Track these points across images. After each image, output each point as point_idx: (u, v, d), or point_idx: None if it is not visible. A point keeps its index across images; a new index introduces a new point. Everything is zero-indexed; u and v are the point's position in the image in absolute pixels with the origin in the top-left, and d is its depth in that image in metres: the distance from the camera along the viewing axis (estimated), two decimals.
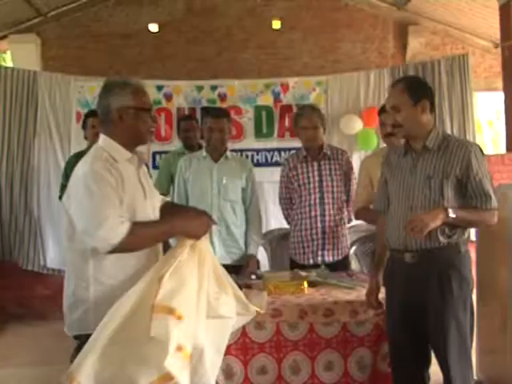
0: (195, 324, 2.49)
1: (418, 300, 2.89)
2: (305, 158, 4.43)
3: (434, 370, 3.87)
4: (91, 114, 5.19)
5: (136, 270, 2.55)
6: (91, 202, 2.43)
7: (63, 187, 5.09)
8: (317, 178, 4.37)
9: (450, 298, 2.82)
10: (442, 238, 2.82)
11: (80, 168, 2.58)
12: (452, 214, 2.72)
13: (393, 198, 3.05)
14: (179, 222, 2.67)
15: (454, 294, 2.82)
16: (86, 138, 5.24)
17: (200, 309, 2.55)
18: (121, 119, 2.58)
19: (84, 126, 5.16)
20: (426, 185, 2.87)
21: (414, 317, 2.93)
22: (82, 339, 2.51)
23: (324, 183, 4.36)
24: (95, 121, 5.04)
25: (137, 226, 2.49)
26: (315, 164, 4.40)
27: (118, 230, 2.42)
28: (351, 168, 4.54)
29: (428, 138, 2.93)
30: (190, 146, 5.45)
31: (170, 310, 2.37)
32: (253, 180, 4.42)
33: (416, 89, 2.93)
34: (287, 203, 4.57)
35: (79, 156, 5.11)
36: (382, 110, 4.06)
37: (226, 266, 3.04)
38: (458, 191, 2.86)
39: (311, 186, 4.36)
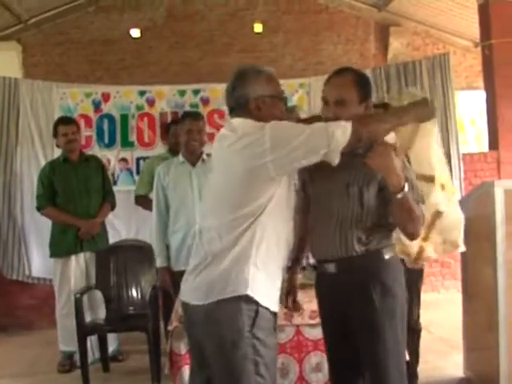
0: None
1: (342, 311, 2.62)
2: None
3: (422, 368, 3.93)
4: (62, 121, 5.15)
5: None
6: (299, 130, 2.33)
7: (40, 197, 5.06)
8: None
9: (371, 311, 2.52)
10: (357, 247, 2.53)
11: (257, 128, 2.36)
12: (405, 189, 2.39)
13: (313, 204, 2.73)
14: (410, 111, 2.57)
15: (377, 305, 2.52)
16: (57, 146, 5.21)
17: None
18: (258, 109, 2.46)
19: (55, 134, 5.11)
20: (345, 192, 2.54)
21: (341, 327, 2.66)
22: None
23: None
24: (66, 128, 5.02)
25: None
26: None
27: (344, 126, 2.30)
28: None
29: None
30: (178, 152, 5.41)
31: None
32: None
33: (365, 85, 2.61)
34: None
35: (53, 164, 5.14)
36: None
37: None
38: (382, 200, 2.52)
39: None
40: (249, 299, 2.30)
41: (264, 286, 2.35)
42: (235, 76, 2.50)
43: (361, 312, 2.56)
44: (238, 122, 2.46)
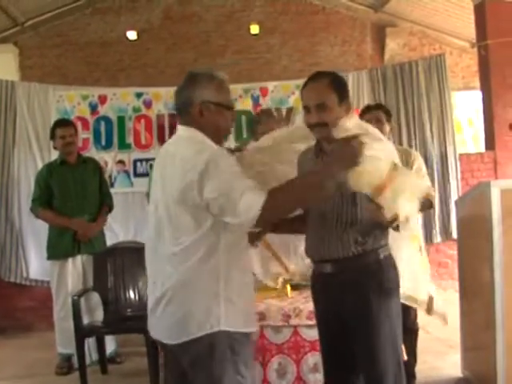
0: None
1: (338, 311, 2.64)
2: None
3: (420, 368, 3.94)
4: (59, 124, 5.15)
5: None
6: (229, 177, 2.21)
7: (36, 200, 5.04)
8: None
9: (367, 310, 2.55)
10: (354, 247, 2.56)
11: (197, 161, 2.22)
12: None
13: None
14: (327, 164, 2.40)
15: (373, 305, 2.54)
16: (55, 148, 5.21)
17: None
18: (200, 114, 2.38)
19: (52, 137, 5.11)
20: (337, 192, 2.46)
21: (337, 327, 2.67)
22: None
23: None
24: (64, 131, 5.01)
25: (272, 189, 2.22)
26: None
27: (258, 196, 2.16)
28: None
29: None
30: None
31: None
32: None
33: (342, 86, 2.62)
34: None
35: (50, 166, 5.14)
36: (367, 110, 4.09)
37: None
38: None
39: None
40: (224, 333, 2.25)
41: (239, 314, 2.30)
42: (186, 77, 2.45)
43: (357, 311, 2.57)
44: (180, 139, 2.39)
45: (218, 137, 2.44)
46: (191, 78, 2.43)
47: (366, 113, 4.07)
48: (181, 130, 2.44)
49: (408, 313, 3.53)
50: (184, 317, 2.27)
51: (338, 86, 2.60)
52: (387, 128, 3.98)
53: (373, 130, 2.61)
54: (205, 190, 2.20)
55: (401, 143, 6.64)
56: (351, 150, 2.30)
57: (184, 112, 2.41)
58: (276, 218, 2.39)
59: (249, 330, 2.36)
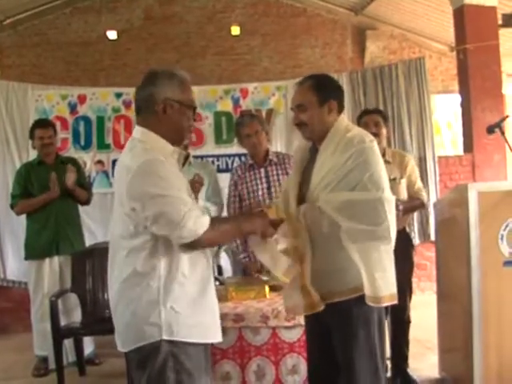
0: None
1: (322, 320, 2.68)
2: (251, 166, 4.43)
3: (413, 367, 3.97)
4: (38, 124, 5.12)
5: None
6: (165, 191, 2.22)
7: (17, 196, 5.01)
8: (265, 185, 4.37)
9: (347, 319, 2.58)
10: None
11: (131, 164, 2.25)
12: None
13: None
14: (247, 220, 2.54)
15: (353, 313, 2.57)
16: (34, 147, 5.17)
17: None
18: (164, 111, 2.35)
19: (31, 137, 5.07)
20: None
21: (322, 333, 2.73)
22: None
23: (272, 189, 4.35)
24: (42, 132, 4.98)
25: (214, 220, 2.33)
26: (262, 171, 4.40)
27: (202, 221, 2.24)
28: None
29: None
30: None
31: None
32: (214, 181, 4.65)
33: (324, 88, 2.71)
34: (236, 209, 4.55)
35: (28, 166, 5.10)
36: (365, 113, 4.35)
37: None
38: None
39: (259, 192, 4.36)
40: (165, 342, 2.23)
41: (185, 324, 2.27)
42: (147, 75, 2.43)
43: (338, 321, 2.61)
44: (137, 143, 2.34)
45: (179, 136, 2.45)
46: (152, 76, 2.41)
47: (364, 116, 4.30)
48: (137, 132, 2.40)
49: (401, 306, 3.55)
50: (127, 326, 2.29)
51: (320, 87, 2.70)
52: (384, 131, 4.23)
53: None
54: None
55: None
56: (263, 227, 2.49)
57: (145, 110, 2.38)
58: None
59: (198, 340, 2.31)
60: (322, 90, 2.69)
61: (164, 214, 2.19)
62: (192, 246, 2.25)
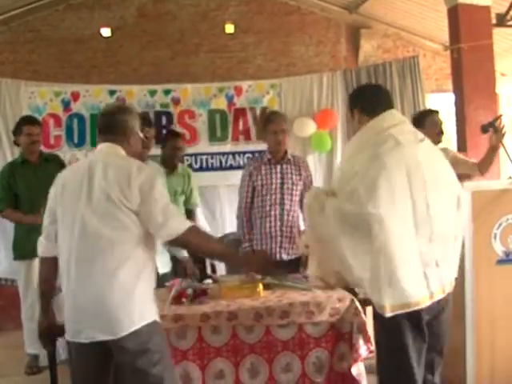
0: None
1: None
2: (269, 160, 4.64)
3: None
4: (27, 121, 5.08)
5: None
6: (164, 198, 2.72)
7: (1, 200, 4.96)
8: (279, 181, 4.58)
9: None
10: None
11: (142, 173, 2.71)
12: None
13: None
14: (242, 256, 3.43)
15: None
16: (17, 144, 5.13)
17: None
18: (130, 137, 2.88)
19: (16, 132, 5.02)
20: None
21: None
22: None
23: (285, 185, 4.58)
24: (31, 129, 4.94)
25: (198, 228, 2.92)
26: (278, 167, 4.62)
27: (185, 222, 2.74)
28: (311, 174, 4.81)
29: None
30: (172, 166, 5.18)
31: None
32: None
33: None
34: (247, 211, 4.65)
35: (12, 166, 5.06)
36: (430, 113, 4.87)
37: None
38: None
39: (273, 186, 4.57)
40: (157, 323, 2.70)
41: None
42: (116, 105, 3.12)
43: None
44: (106, 151, 2.83)
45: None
46: (123, 107, 3.05)
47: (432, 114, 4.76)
48: (107, 147, 2.85)
49: None
50: (124, 308, 2.64)
51: None
52: None
53: None
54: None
55: None
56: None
57: (118, 132, 2.84)
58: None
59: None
60: None
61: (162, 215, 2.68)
62: (175, 241, 2.73)
